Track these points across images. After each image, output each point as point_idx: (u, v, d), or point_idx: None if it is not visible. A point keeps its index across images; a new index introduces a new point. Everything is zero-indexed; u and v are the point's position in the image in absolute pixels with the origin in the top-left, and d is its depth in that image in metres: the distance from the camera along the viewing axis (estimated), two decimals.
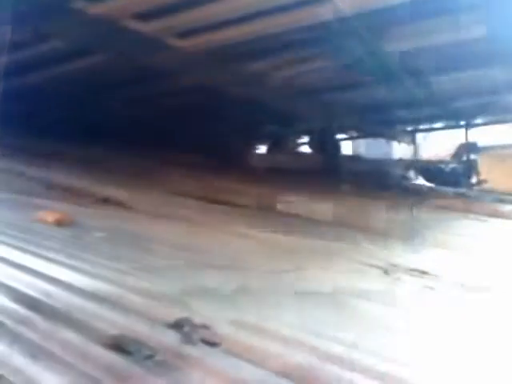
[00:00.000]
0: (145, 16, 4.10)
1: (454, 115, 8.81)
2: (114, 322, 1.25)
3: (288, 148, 8.67)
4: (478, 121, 9.15)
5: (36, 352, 1.08)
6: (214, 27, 4.33)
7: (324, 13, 4.06)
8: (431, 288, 2.13)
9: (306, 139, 9.39)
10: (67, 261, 1.71)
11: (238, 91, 5.61)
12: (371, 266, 2.42)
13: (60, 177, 3.59)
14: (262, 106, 6.24)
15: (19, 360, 1.05)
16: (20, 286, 1.42)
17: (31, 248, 1.83)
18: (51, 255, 1.75)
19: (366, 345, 1.37)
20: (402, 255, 2.73)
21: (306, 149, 9.33)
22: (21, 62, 4.66)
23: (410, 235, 3.55)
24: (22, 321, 1.22)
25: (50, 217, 2.35)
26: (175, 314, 1.31)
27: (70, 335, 1.16)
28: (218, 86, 5.37)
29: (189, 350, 1.16)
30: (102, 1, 3.79)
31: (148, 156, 5.26)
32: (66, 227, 2.27)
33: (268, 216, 3.50)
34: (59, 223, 2.30)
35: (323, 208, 3.92)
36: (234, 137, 8.10)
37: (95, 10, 3.85)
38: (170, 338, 1.20)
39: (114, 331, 1.19)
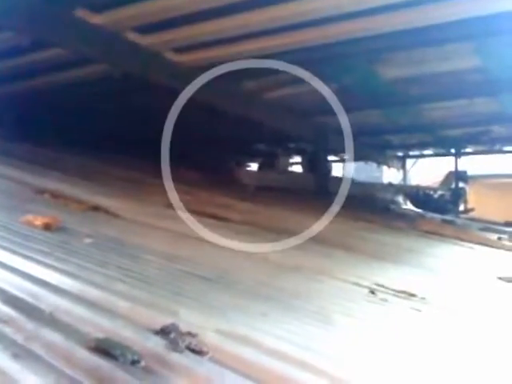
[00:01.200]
0: (144, 29, 4.15)
1: (445, 143, 8.94)
2: (100, 326, 1.24)
3: (279, 167, 8.72)
4: (468, 150, 9.29)
5: (19, 352, 1.07)
6: (210, 44, 4.39)
7: (320, 36, 4.14)
8: (418, 310, 2.14)
9: (297, 159, 9.48)
10: (55, 264, 1.69)
11: (231, 109, 5.66)
12: (358, 285, 2.43)
13: (52, 183, 3.58)
14: (255, 125, 6.29)
15: (1, 359, 1.04)
16: (6, 286, 1.41)
17: (17, 249, 1.81)
18: (39, 257, 1.74)
19: (352, 361, 1.38)
20: (389, 277, 2.74)
21: (297, 168, 9.41)
22: (20, 69, 4.69)
23: (396, 258, 3.58)
24: (6, 321, 1.20)
25: (38, 221, 2.33)
26: (162, 320, 1.30)
27: (54, 337, 1.15)
28: (211, 103, 5.40)
29: (174, 356, 1.15)
30: (104, 11, 3.83)
31: (141, 169, 5.26)
32: (54, 232, 2.26)
33: (256, 231, 3.50)
34: (47, 227, 2.29)
35: (311, 226, 3.93)
36: (226, 153, 8.14)
37: (97, 20, 3.88)
38: (156, 344, 1.20)
39: (99, 335, 1.18)
